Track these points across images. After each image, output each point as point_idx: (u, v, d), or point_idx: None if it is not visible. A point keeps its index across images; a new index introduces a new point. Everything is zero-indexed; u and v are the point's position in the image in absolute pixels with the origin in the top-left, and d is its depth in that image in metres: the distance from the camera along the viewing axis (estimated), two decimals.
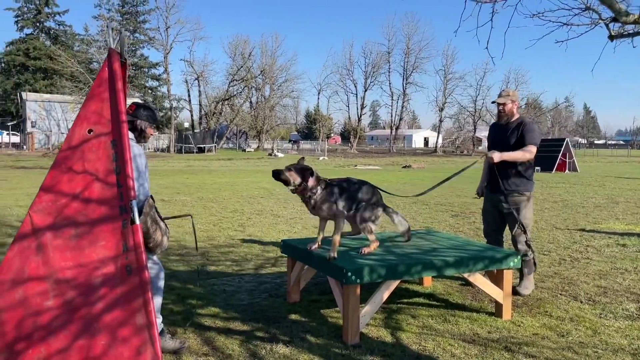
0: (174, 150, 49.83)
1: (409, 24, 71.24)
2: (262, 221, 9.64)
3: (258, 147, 58.55)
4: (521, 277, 5.19)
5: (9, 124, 64.65)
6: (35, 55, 69.68)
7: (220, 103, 57.89)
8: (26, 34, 73.93)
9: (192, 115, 62.39)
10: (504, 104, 5.11)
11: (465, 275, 4.38)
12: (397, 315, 4.55)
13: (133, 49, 66.20)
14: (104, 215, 3.47)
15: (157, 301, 3.75)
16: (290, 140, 79.32)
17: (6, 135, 56.68)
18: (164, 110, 61.30)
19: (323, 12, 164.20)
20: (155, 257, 3.73)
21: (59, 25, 73.28)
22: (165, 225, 3.77)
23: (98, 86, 3.63)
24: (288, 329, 4.19)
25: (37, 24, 73.49)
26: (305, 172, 4.19)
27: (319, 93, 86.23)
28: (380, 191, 4.60)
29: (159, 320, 3.77)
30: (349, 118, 73.17)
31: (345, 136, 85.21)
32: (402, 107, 67.17)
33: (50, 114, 53.42)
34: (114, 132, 3.54)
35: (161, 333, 3.78)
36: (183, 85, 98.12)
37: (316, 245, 4.48)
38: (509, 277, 4.50)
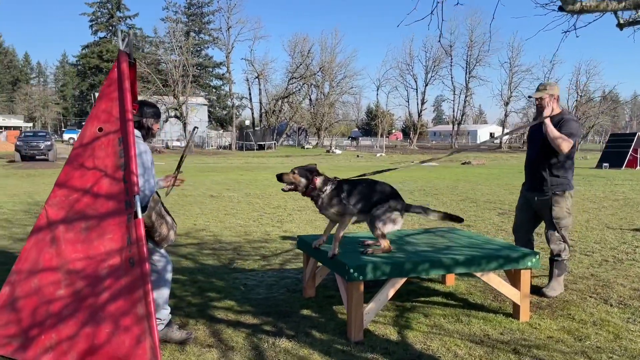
0: (235, 148, 51.05)
1: (472, 17, 69.03)
2: (301, 217, 9.72)
3: (317, 144, 58.94)
4: (550, 278, 4.98)
5: (83, 123, 68.55)
6: (108, 58, 73.48)
7: (280, 101, 58.76)
8: (100, 37, 78.13)
9: (252, 113, 63.74)
10: (540, 99, 4.90)
11: (478, 274, 4.24)
12: (408, 314, 4.48)
13: (198, 49, 68.38)
14: (111, 210, 3.64)
15: (164, 293, 3.89)
16: (349, 137, 79.31)
17: None
18: (227, 109, 62.99)
19: (382, 6, 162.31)
20: (162, 250, 3.86)
21: (129, 28, 76.79)
22: (172, 219, 3.88)
23: (108, 86, 3.80)
24: (295, 324, 4.23)
25: (110, 28, 77.45)
26: (309, 172, 4.19)
27: (377, 89, 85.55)
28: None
29: (166, 312, 3.91)
30: (409, 114, 72.22)
31: (406, 132, 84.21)
32: (465, 102, 65.54)
33: None
34: (121, 129, 3.70)
35: (169, 324, 3.92)
36: (244, 84, 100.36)
37: (320, 242, 4.48)
38: (526, 277, 4.32)
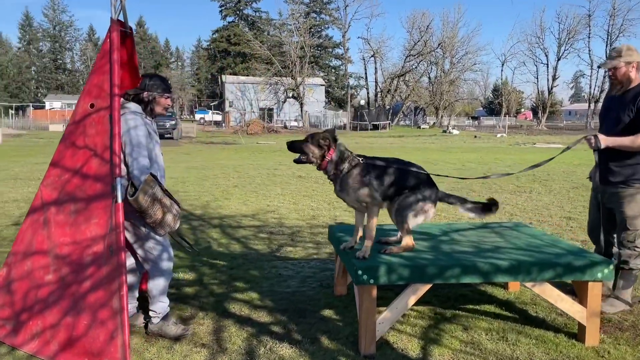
0: (350, 128, 50.86)
1: None
2: None
3: (434, 124, 56.83)
4: (613, 290, 3.96)
5: (212, 104, 72.67)
6: (235, 41, 76.72)
7: (396, 79, 57.32)
8: (228, 22, 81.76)
9: (367, 93, 63.00)
10: (613, 69, 3.86)
11: (528, 284, 3.41)
12: (445, 324, 3.76)
13: (318, 29, 68.92)
14: (98, 192, 3.38)
15: (159, 283, 3.58)
16: (471, 117, 75.50)
17: (211, 114, 63.81)
18: (344, 89, 62.98)
19: None
20: (159, 237, 3.53)
21: (255, 12, 79.52)
22: (175, 202, 3.51)
23: (100, 58, 3.52)
24: (308, 327, 3.73)
25: (237, 12, 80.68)
26: (323, 141, 3.51)
27: (502, 65, 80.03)
28: (437, 176, 3.80)
29: (162, 304, 3.61)
30: (538, 91, 66.75)
31: (536, 111, 78.29)
32: (604, 78, 58.99)
33: (245, 95, 58.29)
34: (110, 105, 3.41)
35: (165, 317, 3.62)
36: (361, 63, 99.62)
37: (353, 244, 3.77)
38: (595, 291, 3.40)
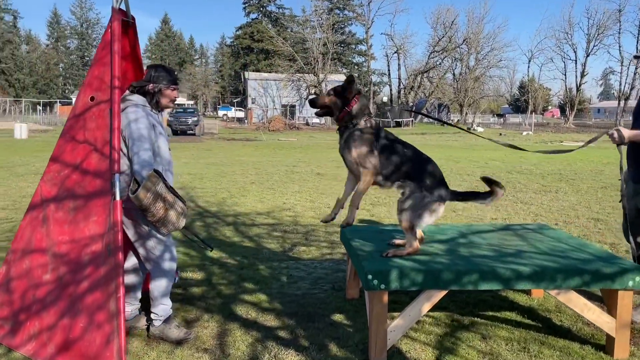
0: None
1: None
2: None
3: (458, 121, 55.97)
4: None
5: (234, 100, 72.97)
6: (258, 38, 76.78)
7: (419, 76, 56.64)
8: (252, 19, 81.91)
9: (390, 90, 62.31)
10: None
11: (552, 292, 3.16)
12: (462, 332, 3.53)
13: (341, 26, 68.54)
14: (98, 189, 3.24)
15: (161, 284, 3.43)
16: (496, 114, 74.26)
17: (234, 110, 64.07)
18: (367, 86, 62.49)
19: None
20: (160, 236, 3.37)
21: (278, 8, 79.48)
22: (181, 200, 3.32)
23: (101, 49, 3.38)
24: (316, 332, 3.54)
25: (261, 9, 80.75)
26: (348, 90, 3.31)
27: (529, 61, 78.52)
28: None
29: (164, 307, 3.46)
30: (566, 88, 65.29)
31: (564, 109, 76.69)
32: (635, 74, 57.39)
33: (267, 91, 58.25)
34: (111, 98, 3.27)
35: (167, 320, 3.47)
36: (384, 60, 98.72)
37: (348, 222, 3.56)
38: (626, 300, 3.14)
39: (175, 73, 3.55)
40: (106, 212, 3.17)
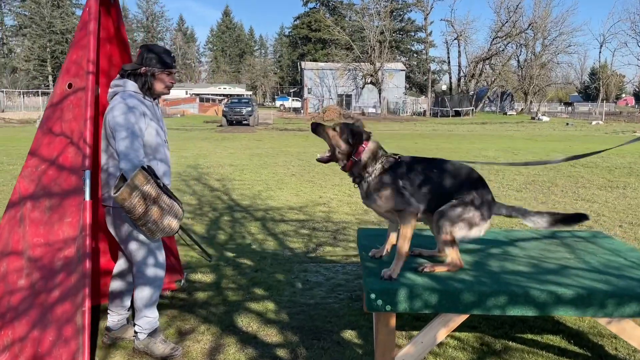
0: (430, 114, 49.05)
1: None
2: None
3: (522, 110, 53.46)
4: None
5: (291, 90, 73.12)
6: (316, 27, 76.41)
7: (481, 63, 54.44)
8: (310, 8, 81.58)
9: (450, 78, 60.36)
10: None
11: (602, 321, 2.55)
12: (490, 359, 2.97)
13: (400, 13, 67.05)
14: (73, 187, 2.92)
15: (145, 293, 3.06)
16: (563, 102, 70.52)
17: (291, 101, 64.17)
18: (426, 74, 60.90)
19: None
20: (142, 238, 2.99)
21: None
22: (177, 202, 2.91)
23: (79, 30, 3.04)
24: (320, 353, 3.08)
25: None
26: (355, 135, 2.83)
27: (601, 46, 74.06)
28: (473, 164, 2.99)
29: (148, 319, 3.09)
30: None
31: (639, 96, 71.93)
32: None
33: (323, 81, 57.84)
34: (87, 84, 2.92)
35: (153, 333, 3.11)
36: (443, 47, 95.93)
37: (380, 253, 3.13)
38: None
39: (173, 55, 3.09)
40: (79, 213, 2.84)
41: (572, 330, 3.38)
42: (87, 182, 2.77)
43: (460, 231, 2.72)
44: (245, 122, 33.17)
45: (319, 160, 2.99)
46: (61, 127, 3.00)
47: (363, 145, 2.85)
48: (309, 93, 56.81)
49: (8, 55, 73.56)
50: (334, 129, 2.91)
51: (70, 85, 3.01)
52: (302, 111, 54.00)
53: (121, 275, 3.25)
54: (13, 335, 2.95)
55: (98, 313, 3.65)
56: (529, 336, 3.30)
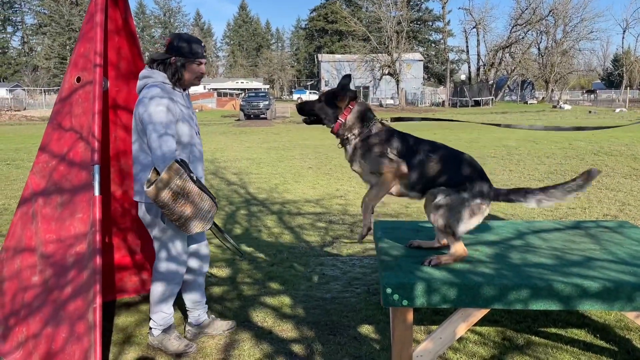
0: (449, 105, 48.49)
1: None
2: None
3: (543, 98, 52.51)
4: None
5: (308, 83, 72.96)
6: (332, 19, 76.01)
7: (500, 51, 53.57)
8: (326, 0, 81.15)
9: (469, 67, 59.53)
10: None
11: (630, 315, 2.44)
12: (514, 356, 2.87)
13: (418, 2, 66.31)
14: (83, 182, 2.88)
15: (156, 289, 3.01)
16: (585, 90, 69.17)
17: (308, 93, 64.03)
18: (445, 64, 60.21)
19: None
20: (165, 233, 2.94)
21: None
22: (211, 197, 2.84)
23: (86, 23, 2.99)
24: (335, 348, 3.01)
25: None
26: (335, 97, 2.78)
27: (624, 32, 72.36)
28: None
29: (164, 315, 3.05)
30: None
31: None
32: None
33: (340, 73, 57.47)
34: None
35: (168, 329, 3.07)
36: (461, 36, 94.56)
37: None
38: None
39: (203, 44, 2.98)
40: (90, 208, 2.80)
41: (598, 324, 3.26)
42: (97, 177, 2.72)
43: (459, 221, 2.61)
44: (262, 115, 33.17)
45: (304, 120, 2.97)
46: (71, 122, 2.97)
47: (350, 106, 2.78)
48: (326, 85, 56.60)
49: (29, 54, 74.75)
50: (319, 100, 2.87)
51: (79, 79, 2.97)
52: None
53: (189, 272, 3.20)
54: (27, 332, 2.94)
55: (113, 309, 3.63)
56: (553, 330, 3.18)
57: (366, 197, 2.77)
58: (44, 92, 47.24)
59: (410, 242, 3.01)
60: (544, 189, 2.66)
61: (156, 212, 2.91)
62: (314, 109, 2.85)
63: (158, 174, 2.74)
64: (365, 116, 2.78)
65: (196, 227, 2.82)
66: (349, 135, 2.77)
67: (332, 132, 2.84)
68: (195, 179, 2.76)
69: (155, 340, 3.07)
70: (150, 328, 3.09)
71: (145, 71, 2.92)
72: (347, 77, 2.89)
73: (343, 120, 2.77)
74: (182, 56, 2.87)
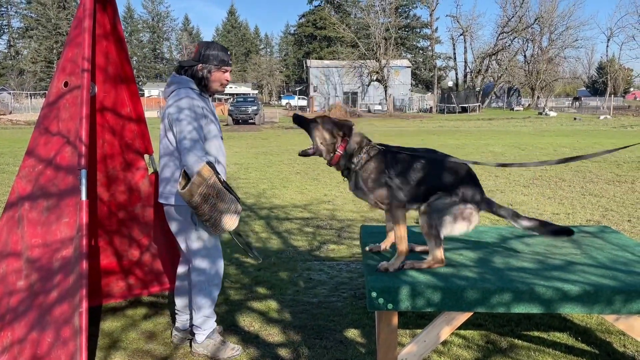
0: (436, 111, 48.82)
1: None
2: None
3: (529, 105, 53.07)
4: None
5: (297, 89, 73.09)
6: (321, 25, 76.29)
7: (487, 59, 54.10)
8: (315, 6, 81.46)
9: (456, 74, 59.97)
10: None
11: (609, 318, 2.49)
12: (497, 359, 2.92)
13: (406, 9, 66.82)
14: (70, 187, 2.88)
15: (203, 293, 3.01)
16: (571, 98, 70.01)
17: (297, 99, 64.09)
18: (432, 71, 60.63)
19: None
20: (201, 234, 2.95)
21: None
22: (237, 198, 2.88)
23: (74, 28, 3.00)
24: (322, 352, 3.03)
25: None
26: (337, 128, 2.81)
27: (608, 40, 73.41)
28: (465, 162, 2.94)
29: (210, 320, 3.07)
30: None
31: None
32: None
33: (329, 79, 57.72)
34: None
35: (211, 334, 3.07)
36: (449, 43, 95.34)
37: (381, 249, 3.09)
38: None
39: (229, 53, 3.05)
40: (77, 213, 2.80)
41: (580, 327, 3.32)
42: (84, 181, 2.73)
43: (446, 226, 2.66)
44: (251, 120, 33.14)
45: (301, 154, 2.96)
46: (58, 127, 2.97)
47: (346, 138, 2.82)
48: (314, 91, 56.74)
49: (15, 57, 74.05)
50: (316, 121, 2.88)
51: (66, 84, 2.98)
52: (308, 109, 53.94)
53: (184, 275, 3.21)
54: (12, 337, 2.93)
55: (99, 313, 3.62)
56: (536, 333, 3.24)
57: (397, 234, 2.74)
58: (30, 96, 46.82)
59: (414, 246, 3.01)
60: (531, 220, 2.74)
61: (186, 214, 2.93)
62: (311, 127, 2.86)
63: (187, 175, 2.78)
64: (363, 143, 2.81)
65: (225, 226, 2.85)
66: (350, 165, 2.79)
67: (329, 164, 2.87)
68: (222, 180, 2.83)
69: (200, 347, 3.02)
70: (193, 334, 3.08)
71: (174, 77, 2.99)
72: (349, 123, 2.91)
73: (341, 152, 2.79)
74: (208, 63, 2.93)
